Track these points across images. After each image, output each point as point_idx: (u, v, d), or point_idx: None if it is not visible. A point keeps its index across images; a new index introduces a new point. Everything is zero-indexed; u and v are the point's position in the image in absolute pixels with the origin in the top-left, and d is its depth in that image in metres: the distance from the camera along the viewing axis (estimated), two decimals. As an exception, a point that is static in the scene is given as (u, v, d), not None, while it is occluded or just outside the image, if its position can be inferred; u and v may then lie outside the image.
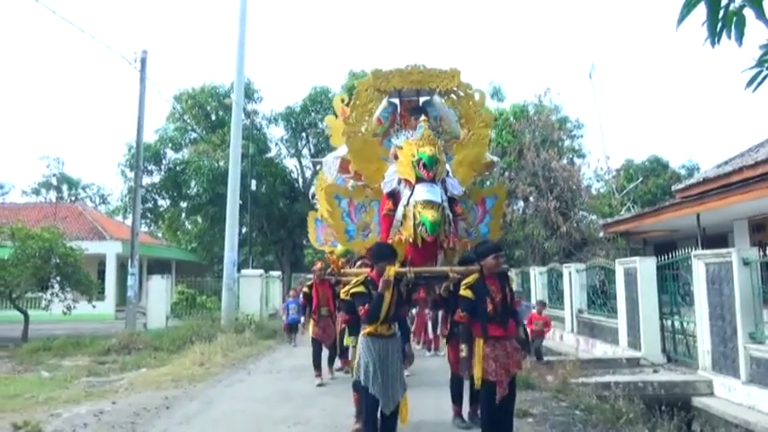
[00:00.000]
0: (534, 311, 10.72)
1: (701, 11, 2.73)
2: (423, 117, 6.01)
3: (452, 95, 6.56)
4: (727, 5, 2.64)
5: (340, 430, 5.81)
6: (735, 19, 2.73)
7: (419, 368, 8.72)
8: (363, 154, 6.32)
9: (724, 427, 6.77)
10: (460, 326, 4.98)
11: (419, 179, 5.46)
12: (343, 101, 8.47)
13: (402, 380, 4.85)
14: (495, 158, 9.32)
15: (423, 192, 5.39)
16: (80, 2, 52.63)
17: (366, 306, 4.74)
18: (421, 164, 5.43)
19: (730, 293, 7.22)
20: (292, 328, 13.14)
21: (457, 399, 5.98)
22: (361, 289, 4.81)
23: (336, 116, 8.62)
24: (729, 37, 2.78)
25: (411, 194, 5.48)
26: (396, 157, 5.98)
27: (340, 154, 7.14)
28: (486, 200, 6.50)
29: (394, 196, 5.78)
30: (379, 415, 4.69)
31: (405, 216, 5.50)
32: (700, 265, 7.97)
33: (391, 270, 4.74)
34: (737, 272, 7.08)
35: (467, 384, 5.35)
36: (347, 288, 5.83)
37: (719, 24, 2.69)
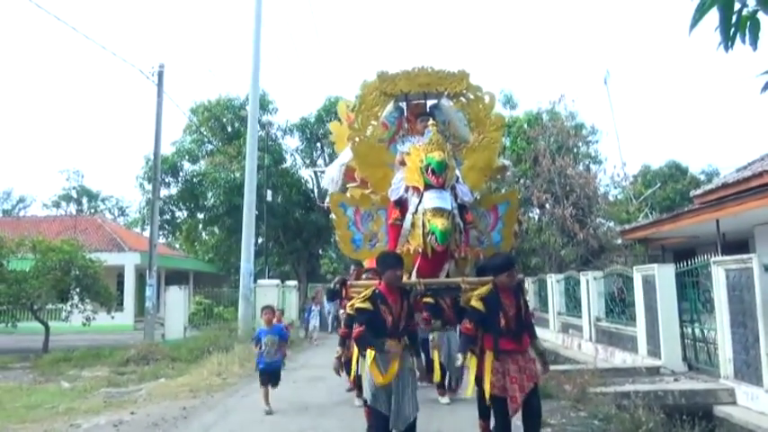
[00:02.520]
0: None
1: (713, 15, 2.71)
2: (431, 121, 5.76)
3: (461, 98, 6.33)
4: (740, 10, 2.62)
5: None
6: (749, 23, 2.72)
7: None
8: (369, 159, 6.13)
9: (747, 436, 6.64)
10: (462, 337, 4.88)
11: (428, 186, 5.20)
12: (347, 106, 8.25)
13: (414, 398, 4.61)
14: (507, 163, 9.15)
15: (432, 199, 5.13)
16: (99, 17, 53.65)
17: (362, 326, 4.53)
18: (430, 169, 5.16)
19: (751, 300, 7.10)
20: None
21: (484, 413, 5.73)
22: (365, 305, 4.59)
23: (341, 122, 8.39)
24: (744, 41, 2.77)
25: (419, 202, 5.24)
26: (402, 164, 5.79)
27: (343, 161, 6.97)
28: (498, 206, 6.23)
29: (401, 204, 5.57)
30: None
31: (413, 225, 5.30)
32: (720, 271, 7.86)
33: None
34: (759, 278, 6.96)
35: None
36: (352, 302, 5.74)
37: (733, 29, 2.67)
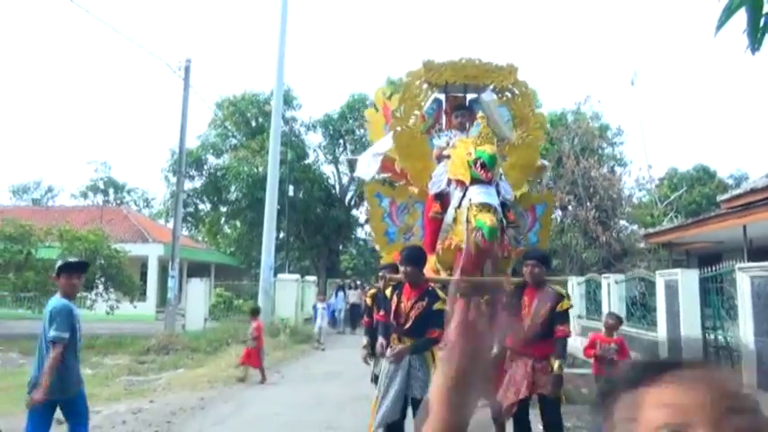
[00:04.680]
0: (601, 333, 6.93)
1: (741, 17, 2.66)
2: (480, 114, 5.56)
3: (507, 93, 6.13)
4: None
5: (369, 436, 5.80)
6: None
7: None
8: (411, 150, 5.91)
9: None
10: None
11: (475, 180, 4.96)
12: (384, 94, 8.09)
13: (400, 401, 4.35)
14: (546, 163, 8.97)
15: (479, 194, 4.89)
16: (129, 11, 54.51)
17: (381, 315, 4.55)
18: (479, 163, 4.92)
19: (777, 308, 6.96)
20: None
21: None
22: (388, 294, 4.57)
23: (377, 110, 8.05)
24: (770, 43, 2.71)
25: (463, 196, 5.03)
26: (438, 159, 5.66)
27: (380, 150, 6.69)
28: (536, 207, 6.10)
29: (442, 198, 5.39)
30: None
31: (455, 220, 5.08)
32: (745, 278, 7.70)
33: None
34: (786, 286, 6.81)
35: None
36: (371, 291, 5.76)
37: (761, 31, 2.62)
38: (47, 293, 16.80)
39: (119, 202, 41.39)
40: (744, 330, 7.72)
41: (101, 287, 16.59)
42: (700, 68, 61.46)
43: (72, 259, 4.83)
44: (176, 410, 7.12)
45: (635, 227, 20.56)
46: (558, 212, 20.93)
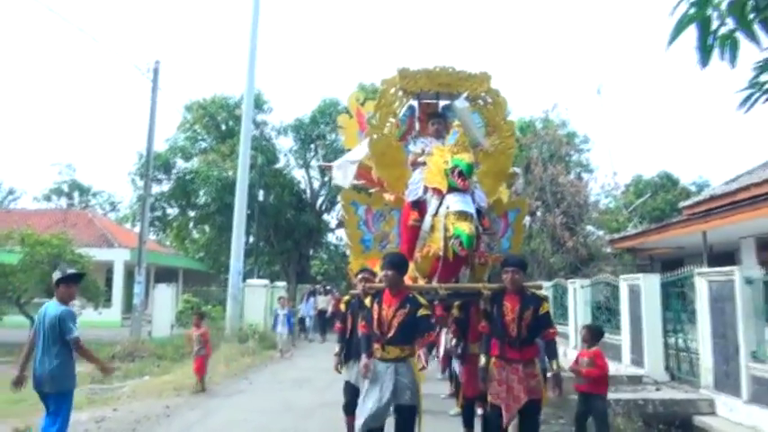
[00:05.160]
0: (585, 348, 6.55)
1: (693, 33, 2.77)
2: (456, 122, 5.63)
3: (479, 101, 6.21)
4: (717, 29, 2.68)
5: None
6: (728, 41, 2.78)
7: (431, 391, 8.19)
8: (387, 158, 5.91)
9: (725, 446, 6.72)
10: (483, 336, 4.82)
11: (452, 188, 5.05)
12: (357, 99, 8.11)
13: (377, 406, 4.33)
14: (518, 170, 9.12)
15: (457, 202, 4.99)
16: (95, 12, 53.47)
17: (364, 326, 4.51)
18: (456, 171, 5.02)
19: (733, 312, 7.18)
20: None
21: (468, 422, 5.79)
22: (367, 303, 4.56)
23: (351, 115, 8.04)
24: (722, 58, 2.83)
25: (440, 204, 5.12)
26: (413, 165, 5.71)
27: (356, 158, 6.68)
28: (508, 213, 6.19)
29: (419, 206, 5.43)
30: None
31: (433, 228, 5.17)
32: (703, 283, 7.94)
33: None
34: (740, 290, 7.04)
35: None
36: (346, 298, 5.78)
37: (710, 47, 2.73)
38: (6, 300, 16.34)
39: (84, 205, 40.47)
40: (702, 333, 7.95)
41: (64, 293, 16.18)
42: (663, 79, 63.13)
43: (71, 271, 5.36)
44: (141, 418, 7.00)
45: (602, 232, 20.98)
46: (528, 218, 21.25)
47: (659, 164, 67.42)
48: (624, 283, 10.74)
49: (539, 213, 20.27)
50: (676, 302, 9.61)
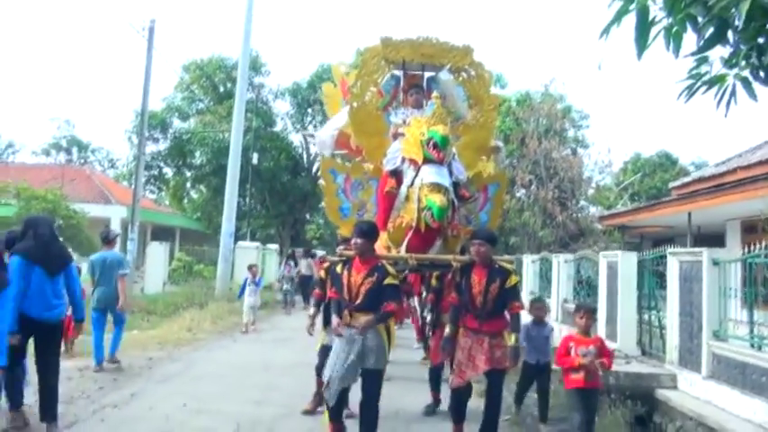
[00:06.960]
0: (574, 333, 5.55)
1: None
2: (435, 93, 5.62)
3: (463, 73, 6.18)
4: (653, 20, 2.77)
5: (304, 399, 5.99)
6: (673, 31, 2.88)
7: (404, 359, 8.45)
8: (366, 127, 5.91)
9: (680, 418, 7.00)
10: (451, 306, 4.96)
11: (427, 160, 5.06)
12: (342, 69, 8.10)
13: (351, 370, 4.48)
14: (500, 144, 9.17)
15: (430, 174, 5.01)
16: (97, -36, 52.45)
17: (334, 292, 4.66)
18: (432, 143, 5.01)
19: (699, 291, 7.39)
20: None
21: (435, 386, 6.03)
22: (339, 270, 4.67)
23: (335, 85, 8.03)
24: (668, 49, 2.94)
25: (416, 175, 5.14)
26: (394, 136, 5.71)
27: (337, 126, 6.69)
28: (488, 187, 6.18)
29: (397, 175, 5.45)
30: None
31: (407, 198, 5.19)
32: (674, 262, 8.13)
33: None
34: (706, 271, 7.23)
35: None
36: (326, 264, 5.89)
37: (648, 37, 2.83)
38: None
39: (82, 161, 40.51)
40: (671, 311, 8.18)
41: (58, 247, 16.42)
42: (665, 58, 62.24)
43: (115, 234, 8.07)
44: (124, 368, 7.30)
45: (595, 209, 21.12)
46: (523, 191, 21.35)
47: (660, 143, 67.17)
48: (603, 260, 10.93)
49: (533, 187, 20.38)
50: (651, 280, 9.82)
